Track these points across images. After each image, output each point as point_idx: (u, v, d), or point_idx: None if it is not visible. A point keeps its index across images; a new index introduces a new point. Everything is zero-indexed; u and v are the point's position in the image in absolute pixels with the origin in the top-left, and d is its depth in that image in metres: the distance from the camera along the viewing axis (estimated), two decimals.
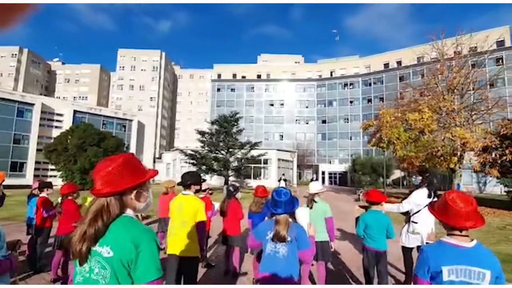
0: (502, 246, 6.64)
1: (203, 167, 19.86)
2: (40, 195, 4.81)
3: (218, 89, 58.49)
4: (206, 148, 21.38)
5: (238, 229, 4.61)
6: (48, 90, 67.73)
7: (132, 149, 37.24)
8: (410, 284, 4.22)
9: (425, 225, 4.05)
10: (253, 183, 27.67)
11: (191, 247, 2.94)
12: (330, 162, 48.84)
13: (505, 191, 16.97)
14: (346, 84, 53.58)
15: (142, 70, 65.19)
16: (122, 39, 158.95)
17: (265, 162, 29.95)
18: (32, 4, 0.39)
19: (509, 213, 12.18)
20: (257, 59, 67.36)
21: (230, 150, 21.15)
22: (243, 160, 21.14)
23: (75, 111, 35.03)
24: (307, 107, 55.51)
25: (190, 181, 3.16)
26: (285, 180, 20.77)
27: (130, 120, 40.32)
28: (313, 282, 4.29)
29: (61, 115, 34.50)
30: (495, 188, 27.07)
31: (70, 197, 4.28)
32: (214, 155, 20.86)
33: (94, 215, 1.15)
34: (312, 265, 3.94)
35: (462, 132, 13.29)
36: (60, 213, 4.29)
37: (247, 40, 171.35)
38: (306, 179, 41.37)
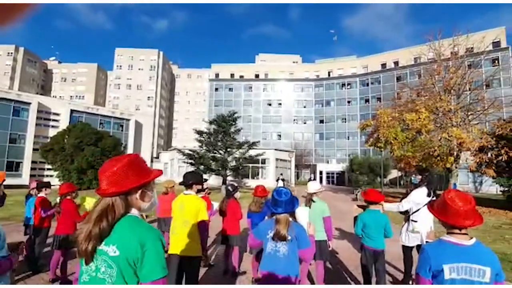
0: (498, 245, 6.72)
1: (201, 167, 19.83)
2: (39, 195, 4.79)
3: (216, 89, 58.42)
4: (204, 148, 21.35)
5: (237, 228, 4.62)
6: (45, 89, 67.22)
7: (130, 149, 37.08)
8: (409, 282, 4.26)
9: (425, 224, 4.10)
10: (251, 182, 27.68)
11: (193, 247, 2.94)
12: (328, 162, 49.00)
13: (500, 191, 17.11)
14: (343, 84, 53.77)
15: (139, 69, 64.92)
16: (119, 38, 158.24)
17: (263, 162, 29.96)
18: (32, 4, 0.39)
19: (505, 213, 12.31)
20: (255, 58, 67.43)
21: (228, 149, 21.14)
22: (241, 160, 21.13)
23: (72, 111, 34.80)
24: (305, 107, 55.63)
25: (192, 180, 3.17)
26: (283, 180, 20.81)
27: (128, 120, 40.13)
28: (311, 281, 4.32)
29: (57, 114, 34.26)
30: (490, 187, 27.26)
31: (68, 197, 4.26)
32: (212, 154, 20.83)
33: (100, 214, 1.17)
34: (310, 264, 3.97)
35: (459, 132, 13.40)
36: (59, 212, 4.28)
37: (245, 39, 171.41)
38: (304, 179, 41.48)
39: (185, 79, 75.68)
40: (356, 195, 19.27)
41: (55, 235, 4.18)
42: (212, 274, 4.65)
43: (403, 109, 16.14)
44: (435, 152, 13.98)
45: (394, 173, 36.37)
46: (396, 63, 48.23)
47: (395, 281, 4.50)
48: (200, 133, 21.60)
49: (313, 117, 54.86)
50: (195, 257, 2.99)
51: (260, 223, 2.67)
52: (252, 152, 21.70)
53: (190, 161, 20.63)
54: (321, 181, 42.24)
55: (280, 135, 54.92)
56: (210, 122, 22.33)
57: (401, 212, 4.47)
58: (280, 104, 56.18)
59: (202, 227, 3.02)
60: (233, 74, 58.83)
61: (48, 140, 28.00)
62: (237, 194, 4.81)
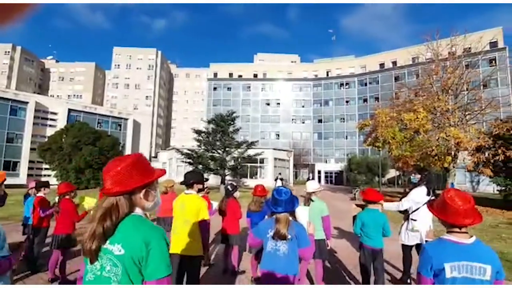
0: (495, 244, 6.77)
1: (200, 166, 19.81)
2: (37, 194, 4.77)
3: (215, 88, 58.34)
4: (203, 147, 21.32)
5: (237, 228, 4.64)
6: (42, 88, 66.81)
7: (128, 148, 36.99)
8: (407, 281, 4.29)
9: (424, 223, 4.13)
10: (249, 182, 27.70)
11: (194, 246, 2.95)
12: (326, 162, 49.12)
13: (497, 190, 17.21)
14: (342, 84, 53.88)
15: (137, 68, 64.69)
16: (117, 37, 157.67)
17: (262, 161, 29.98)
18: (31, 4, 0.39)
19: (502, 212, 12.39)
20: (254, 58, 67.35)
21: (227, 149, 21.12)
22: (239, 159, 21.13)
23: (69, 110, 34.68)
24: (303, 107, 55.70)
25: (193, 180, 3.17)
26: (281, 179, 20.81)
27: (126, 119, 40.04)
28: (310, 280, 4.34)
29: (55, 113, 34.14)
30: (488, 187, 27.45)
31: (67, 197, 4.25)
32: (211, 154, 20.81)
33: (104, 213, 1.17)
34: (309, 263, 3.99)
35: (456, 132, 13.48)
36: (58, 212, 4.27)
37: (244, 39, 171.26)
38: (302, 178, 41.53)
39: (183, 78, 75.52)
40: (355, 194, 19.32)
41: (54, 235, 4.17)
42: (211, 273, 4.66)
43: (401, 109, 16.23)
44: (432, 151, 14.07)
45: (392, 173, 36.50)
46: (394, 63, 48.38)
47: (393, 280, 4.53)
48: (198, 132, 21.57)
49: (311, 117, 54.94)
50: (196, 257, 2.99)
51: (260, 222, 2.69)
52: (251, 152, 21.70)
53: (188, 160, 20.60)
54: (319, 181, 42.34)
55: (278, 135, 54.96)
56: (209, 122, 22.32)
57: (400, 211, 4.50)
58: (279, 103, 56.21)
59: (203, 227, 3.03)
60: (232, 74, 58.76)
61: (46, 139, 27.88)
62: (237, 194, 4.82)
